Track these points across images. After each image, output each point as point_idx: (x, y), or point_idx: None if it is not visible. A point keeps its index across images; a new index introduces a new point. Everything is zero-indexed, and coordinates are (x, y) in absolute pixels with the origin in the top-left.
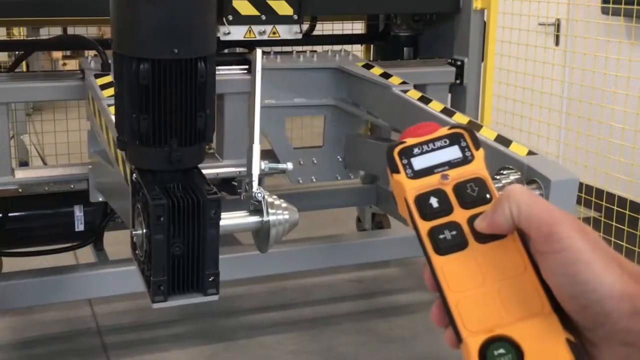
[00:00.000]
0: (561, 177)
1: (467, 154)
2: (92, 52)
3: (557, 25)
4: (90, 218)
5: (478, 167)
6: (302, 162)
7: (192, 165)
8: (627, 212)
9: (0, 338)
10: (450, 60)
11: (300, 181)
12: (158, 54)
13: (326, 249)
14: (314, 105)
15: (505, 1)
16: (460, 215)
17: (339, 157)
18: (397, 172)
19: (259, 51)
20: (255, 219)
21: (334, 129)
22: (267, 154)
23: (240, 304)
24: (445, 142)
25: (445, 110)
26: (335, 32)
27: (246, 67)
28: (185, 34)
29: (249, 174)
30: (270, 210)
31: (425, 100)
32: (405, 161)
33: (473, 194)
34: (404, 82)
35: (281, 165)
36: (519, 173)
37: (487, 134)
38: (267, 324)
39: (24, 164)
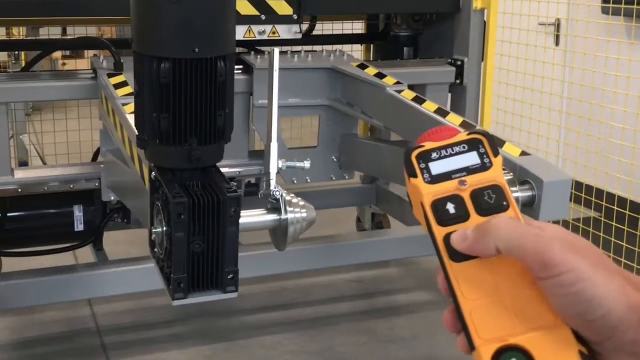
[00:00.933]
0: (554, 177)
1: (486, 160)
2: (92, 53)
3: (557, 25)
4: (90, 218)
5: (496, 175)
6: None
7: (212, 163)
8: (627, 212)
9: (0, 338)
10: (450, 60)
11: (295, 182)
12: (179, 54)
13: (326, 249)
14: (309, 106)
15: (505, 1)
16: (477, 222)
17: (333, 157)
18: (415, 176)
19: (276, 50)
20: (273, 217)
21: (328, 129)
22: (261, 155)
23: (241, 304)
24: (464, 147)
25: (439, 111)
26: (335, 32)
27: (241, 67)
28: (206, 34)
29: (267, 172)
30: (288, 209)
31: (419, 100)
32: (423, 165)
33: (490, 201)
34: (398, 83)
35: (299, 164)
36: (512, 174)
37: None
38: (267, 324)
39: (23, 164)
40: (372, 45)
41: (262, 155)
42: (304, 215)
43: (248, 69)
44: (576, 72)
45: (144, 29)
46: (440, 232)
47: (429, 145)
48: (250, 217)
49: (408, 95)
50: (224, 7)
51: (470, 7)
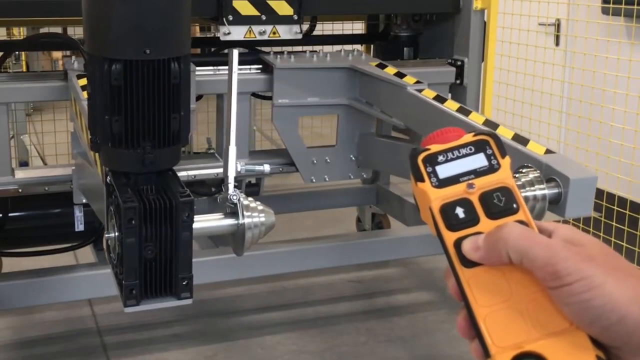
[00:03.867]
0: (580, 175)
1: (493, 162)
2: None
3: (557, 26)
4: (90, 218)
5: (504, 176)
6: (315, 162)
7: (167, 167)
8: (627, 212)
9: (0, 338)
10: (450, 60)
11: (314, 180)
12: (130, 55)
13: (326, 249)
14: (328, 105)
15: (505, 1)
16: (486, 226)
17: (351, 156)
18: (422, 180)
19: (235, 52)
20: (230, 221)
21: (347, 128)
22: (279, 154)
23: (240, 304)
24: (470, 149)
25: (460, 109)
26: (336, 32)
27: (246, 67)
28: (158, 35)
29: (225, 175)
30: (245, 213)
31: (440, 99)
32: (429, 169)
33: (500, 204)
34: (418, 82)
35: (258, 167)
36: (538, 171)
37: (504, 133)
38: (267, 324)
39: (24, 164)
40: (372, 46)
41: (262, 155)
42: (262, 219)
43: (267, 68)
44: (576, 72)
45: (94, 29)
46: (450, 237)
47: (434, 147)
48: (206, 221)
49: (429, 94)
50: (178, 6)
51: (470, 7)
